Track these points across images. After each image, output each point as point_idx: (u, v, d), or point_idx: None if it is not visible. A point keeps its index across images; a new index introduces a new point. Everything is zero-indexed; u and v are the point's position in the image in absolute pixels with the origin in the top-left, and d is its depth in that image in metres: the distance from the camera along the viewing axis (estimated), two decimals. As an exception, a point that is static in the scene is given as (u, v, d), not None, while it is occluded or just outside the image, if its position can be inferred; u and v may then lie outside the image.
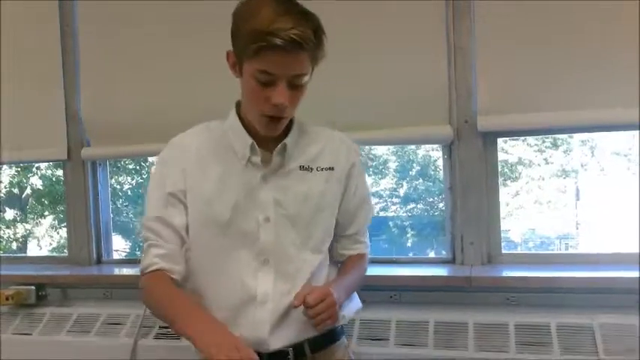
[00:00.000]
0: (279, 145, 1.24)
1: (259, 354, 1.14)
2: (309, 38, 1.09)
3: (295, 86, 1.14)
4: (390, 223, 6.86)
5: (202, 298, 1.25)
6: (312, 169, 1.27)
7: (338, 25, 1.97)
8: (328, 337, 1.30)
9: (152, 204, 1.26)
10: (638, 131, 1.85)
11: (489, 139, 1.94)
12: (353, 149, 1.35)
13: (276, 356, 1.22)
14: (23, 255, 5.30)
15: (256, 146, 1.23)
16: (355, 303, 1.39)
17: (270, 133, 1.21)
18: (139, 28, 2.20)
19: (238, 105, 1.28)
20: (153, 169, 1.30)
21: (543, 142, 6.48)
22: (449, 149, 1.98)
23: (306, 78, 1.15)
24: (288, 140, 1.25)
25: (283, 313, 1.22)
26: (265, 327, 1.21)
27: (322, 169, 1.28)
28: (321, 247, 1.30)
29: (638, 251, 1.82)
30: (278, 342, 1.22)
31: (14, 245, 6.64)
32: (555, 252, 4.92)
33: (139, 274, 2.11)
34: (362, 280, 1.40)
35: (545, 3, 1.81)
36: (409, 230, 6.90)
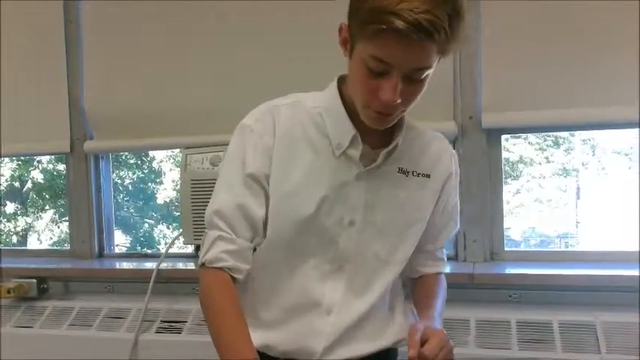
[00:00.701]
0: (392, 146, 1.07)
1: None
2: (442, 26, 0.87)
3: (413, 81, 0.95)
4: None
5: (261, 296, 1.14)
6: (408, 172, 1.10)
7: (342, 18, 1.98)
8: (381, 357, 1.16)
9: (228, 184, 1.08)
10: (638, 129, 1.85)
11: (493, 135, 1.94)
12: (453, 156, 1.20)
13: None
14: (24, 248, 5.29)
15: (359, 139, 1.06)
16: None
17: (376, 126, 1.02)
18: (144, 20, 2.19)
19: (341, 81, 1.10)
20: (233, 138, 1.10)
21: (545, 140, 6.48)
22: (452, 145, 1.98)
23: (428, 72, 0.95)
24: (399, 140, 1.08)
25: (345, 329, 1.10)
26: (322, 339, 1.09)
27: (419, 175, 1.12)
28: (404, 262, 1.16)
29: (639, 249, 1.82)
30: (328, 356, 1.10)
31: (14, 239, 6.64)
32: (558, 250, 4.91)
33: (141, 267, 2.15)
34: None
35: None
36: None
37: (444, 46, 0.91)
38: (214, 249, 1.06)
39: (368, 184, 1.07)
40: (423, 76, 0.96)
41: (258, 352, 1.04)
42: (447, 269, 1.30)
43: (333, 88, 1.09)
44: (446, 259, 1.28)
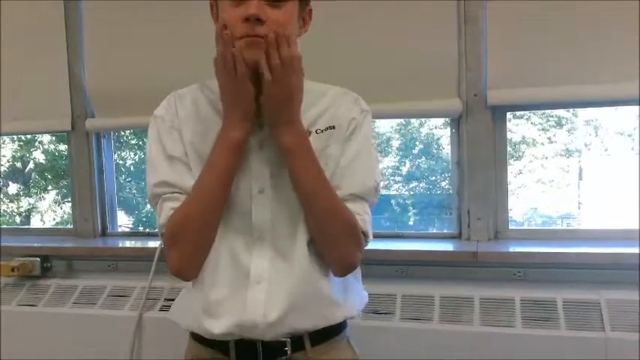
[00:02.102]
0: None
1: (253, 343, 1.09)
2: None
3: (274, 6, 1.01)
4: (392, 201, 6.86)
5: (200, 277, 1.12)
6: (310, 132, 1.10)
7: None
8: (331, 330, 1.14)
9: (154, 168, 1.13)
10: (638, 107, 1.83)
11: (498, 113, 1.92)
12: (354, 101, 1.17)
13: (272, 347, 1.09)
14: (28, 227, 5.31)
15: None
16: (362, 297, 1.24)
17: (253, 56, 1.01)
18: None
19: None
20: (149, 127, 1.18)
21: (547, 120, 6.44)
22: (457, 123, 1.96)
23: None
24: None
25: (280, 295, 1.08)
26: (259, 309, 1.07)
27: (322, 131, 1.12)
28: None
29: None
30: (273, 329, 1.08)
31: (17, 219, 6.65)
32: (562, 228, 4.91)
33: (144, 246, 2.14)
34: (335, 215, 1.08)
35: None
36: (411, 208, 6.90)
37: None
38: (164, 210, 1.09)
39: (271, 152, 1.08)
40: (281, 3, 1.01)
41: (203, 338, 1.12)
42: (366, 227, 1.14)
43: None
44: (366, 218, 1.13)
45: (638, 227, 1.82)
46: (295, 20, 1.07)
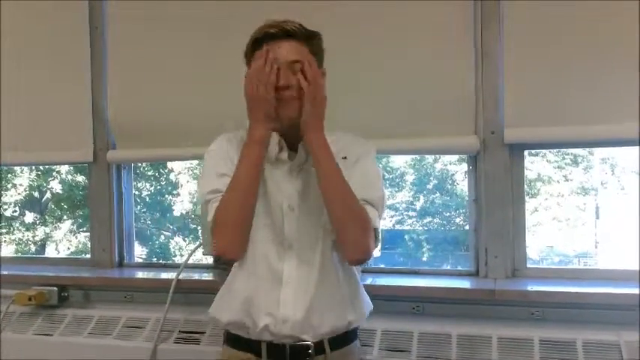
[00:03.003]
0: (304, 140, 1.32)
1: (283, 346, 1.29)
2: (297, 27, 1.29)
3: (294, 72, 1.27)
4: (406, 237, 6.83)
5: (240, 280, 1.34)
6: None
7: (361, 28, 1.98)
8: (346, 338, 1.36)
9: (204, 183, 1.35)
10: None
11: (516, 150, 1.93)
12: (363, 143, 1.42)
13: (298, 350, 1.30)
14: (45, 256, 5.33)
15: (284, 142, 1.34)
16: (368, 302, 1.43)
17: (286, 113, 1.28)
18: (168, 29, 2.21)
19: None
20: (203, 162, 1.42)
21: (563, 158, 6.42)
22: (474, 160, 1.97)
23: (304, 65, 1.27)
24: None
25: (304, 296, 1.29)
26: (288, 307, 1.29)
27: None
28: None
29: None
30: (299, 326, 1.28)
31: (32, 248, 6.70)
32: (580, 267, 4.84)
33: (160, 277, 2.15)
34: (352, 208, 1.29)
35: (576, 12, 1.81)
36: (425, 244, 6.86)
37: (307, 43, 1.30)
38: (211, 211, 1.30)
39: (299, 177, 1.34)
40: (300, 68, 1.27)
41: (236, 335, 1.34)
42: (377, 226, 1.33)
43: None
44: (377, 220, 1.33)
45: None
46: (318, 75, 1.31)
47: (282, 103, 1.28)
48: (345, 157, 1.35)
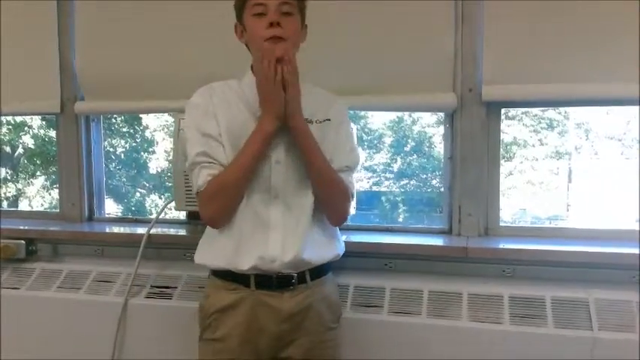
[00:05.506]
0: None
1: (269, 276, 1.42)
2: None
3: (285, 14, 1.37)
4: (383, 198, 6.86)
5: (229, 227, 1.44)
6: (312, 121, 1.46)
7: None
8: (323, 269, 1.51)
9: (192, 144, 1.42)
10: (637, 115, 1.83)
11: (493, 109, 1.91)
12: (341, 103, 1.56)
13: (282, 279, 1.44)
14: (14, 209, 5.24)
15: None
16: (342, 243, 1.58)
17: (277, 49, 1.34)
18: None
19: (252, 67, 1.47)
20: (185, 115, 1.48)
21: (539, 122, 6.46)
22: (451, 118, 1.95)
23: (291, 8, 1.38)
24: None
25: (292, 238, 1.43)
26: (277, 247, 1.41)
27: (320, 122, 1.48)
28: None
29: (637, 228, 1.81)
30: (285, 264, 1.41)
31: (5, 204, 6.58)
32: (552, 226, 4.93)
33: (132, 232, 2.12)
34: (333, 183, 1.45)
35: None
36: (401, 205, 6.90)
37: None
38: (202, 176, 1.40)
39: (284, 136, 1.41)
40: (290, 10, 1.38)
41: (228, 271, 1.44)
42: (353, 191, 1.51)
43: (248, 72, 1.48)
44: (352, 184, 1.51)
45: (628, 227, 1.82)
46: (299, 29, 1.43)
47: (274, 40, 1.36)
48: (329, 120, 1.49)
